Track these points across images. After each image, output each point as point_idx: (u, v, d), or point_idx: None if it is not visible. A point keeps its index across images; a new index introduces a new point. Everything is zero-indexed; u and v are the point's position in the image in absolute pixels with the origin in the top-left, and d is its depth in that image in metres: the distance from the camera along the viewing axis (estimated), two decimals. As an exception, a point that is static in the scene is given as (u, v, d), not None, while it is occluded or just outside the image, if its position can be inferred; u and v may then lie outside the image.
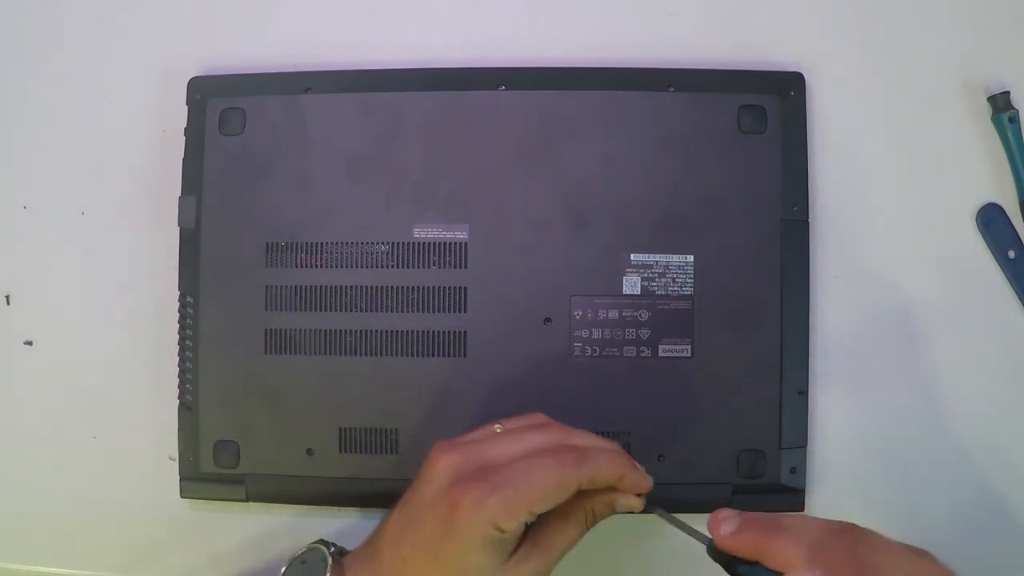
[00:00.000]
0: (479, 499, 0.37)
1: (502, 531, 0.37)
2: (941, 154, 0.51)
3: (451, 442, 0.40)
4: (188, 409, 0.50)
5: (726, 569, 0.37)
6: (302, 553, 0.42)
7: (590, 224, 0.49)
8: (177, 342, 0.50)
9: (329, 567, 0.40)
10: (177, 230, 0.51)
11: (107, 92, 0.54)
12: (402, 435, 0.49)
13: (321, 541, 0.42)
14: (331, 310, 0.50)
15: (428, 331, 0.49)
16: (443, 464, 0.39)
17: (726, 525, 0.36)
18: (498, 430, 0.41)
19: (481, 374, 0.49)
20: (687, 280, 0.49)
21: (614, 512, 0.41)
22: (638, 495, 0.40)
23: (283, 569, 0.42)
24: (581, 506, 0.40)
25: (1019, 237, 0.50)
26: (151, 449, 0.52)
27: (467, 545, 0.37)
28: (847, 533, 0.34)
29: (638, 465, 0.41)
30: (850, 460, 0.50)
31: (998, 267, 0.50)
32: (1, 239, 0.54)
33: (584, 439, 0.41)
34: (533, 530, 0.40)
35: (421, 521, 0.39)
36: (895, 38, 0.52)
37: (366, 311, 0.49)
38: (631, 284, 0.49)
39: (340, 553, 0.42)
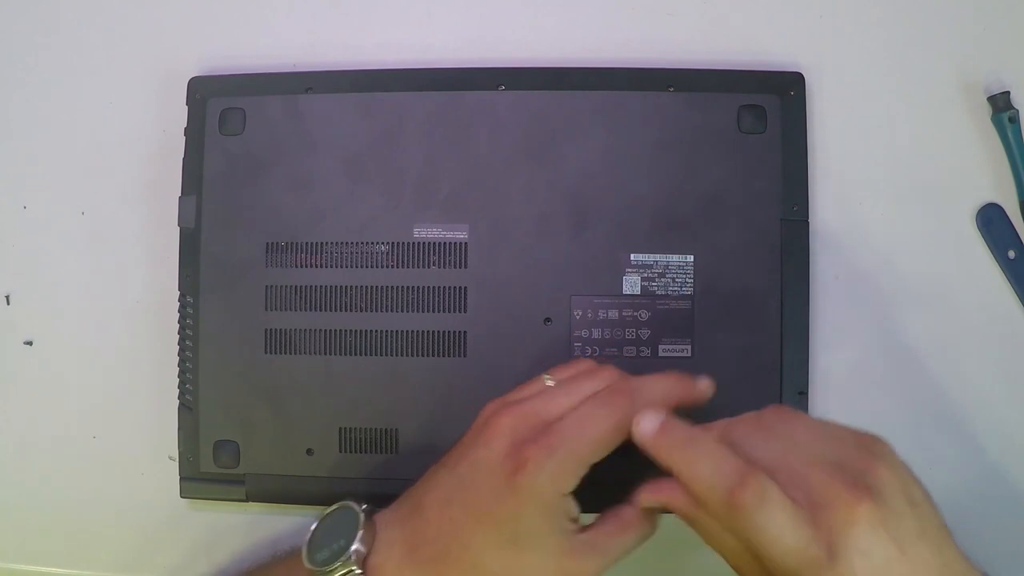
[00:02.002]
0: (538, 463, 0.37)
1: (563, 493, 0.38)
2: (941, 154, 0.51)
3: (506, 401, 0.41)
4: (188, 409, 0.50)
5: None
6: (332, 511, 0.42)
7: (590, 224, 0.49)
8: (177, 342, 0.50)
9: (362, 523, 0.40)
10: (177, 230, 0.51)
11: (107, 92, 0.54)
12: (402, 435, 0.49)
13: (350, 498, 0.42)
14: (331, 310, 0.50)
15: (428, 331, 0.49)
16: (501, 427, 0.39)
17: (647, 423, 0.37)
18: (549, 382, 0.42)
19: (481, 374, 0.49)
20: (687, 280, 0.49)
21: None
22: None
23: (313, 527, 0.42)
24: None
25: (1019, 237, 0.50)
26: (151, 449, 0.52)
27: (527, 508, 0.37)
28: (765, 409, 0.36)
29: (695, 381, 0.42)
30: (850, 460, 0.50)
31: (998, 267, 0.50)
32: (1, 239, 0.54)
33: (640, 380, 0.41)
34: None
35: (476, 483, 0.39)
36: (895, 38, 0.52)
37: (366, 311, 0.49)
38: (631, 284, 0.49)
39: (371, 511, 0.42)
